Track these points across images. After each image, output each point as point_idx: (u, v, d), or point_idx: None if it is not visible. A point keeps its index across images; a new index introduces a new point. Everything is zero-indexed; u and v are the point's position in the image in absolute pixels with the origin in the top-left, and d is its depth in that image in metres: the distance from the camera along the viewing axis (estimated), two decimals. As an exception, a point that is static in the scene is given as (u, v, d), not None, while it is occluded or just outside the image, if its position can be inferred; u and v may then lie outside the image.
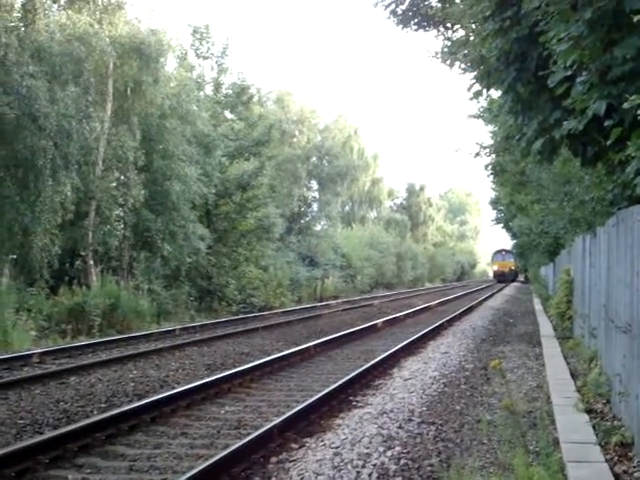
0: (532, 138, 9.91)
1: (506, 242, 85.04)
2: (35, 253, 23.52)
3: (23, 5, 24.68)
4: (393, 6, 18.47)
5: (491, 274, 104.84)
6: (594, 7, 6.67)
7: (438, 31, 18.62)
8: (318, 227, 63.79)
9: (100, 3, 29.47)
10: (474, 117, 23.28)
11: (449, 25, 17.65)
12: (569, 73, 7.60)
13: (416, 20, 18.57)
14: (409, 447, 8.69)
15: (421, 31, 18.80)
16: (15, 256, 24.60)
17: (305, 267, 49.60)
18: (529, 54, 9.42)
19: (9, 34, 23.42)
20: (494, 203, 52.36)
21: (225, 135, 38.09)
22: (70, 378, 14.52)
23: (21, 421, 10.76)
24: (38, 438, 9.20)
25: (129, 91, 29.55)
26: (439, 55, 17.17)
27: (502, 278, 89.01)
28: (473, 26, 11.84)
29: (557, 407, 9.55)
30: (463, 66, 14.59)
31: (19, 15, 24.82)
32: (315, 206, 68.71)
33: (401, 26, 18.81)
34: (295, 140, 72.26)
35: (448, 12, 15.27)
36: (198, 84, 39.83)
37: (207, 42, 41.47)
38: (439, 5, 17.77)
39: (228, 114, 43.22)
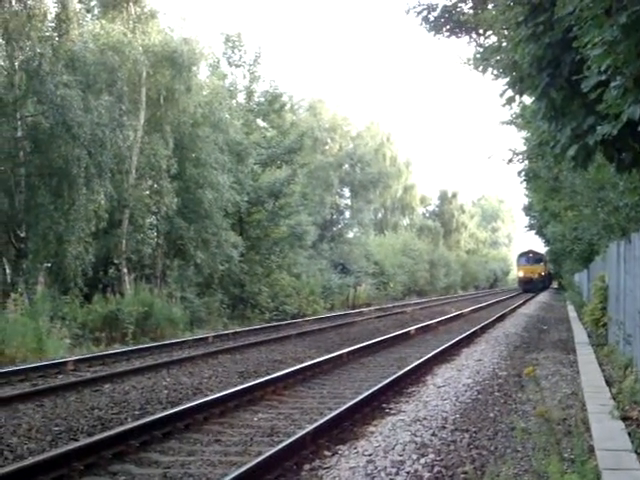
0: (566, 144, 9.82)
1: (539, 248, 79.32)
2: (69, 261, 23.69)
3: (57, 15, 24.90)
4: (425, 13, 18.42)
5: None
6: (629, 12, 6.60)
7: (470, 37, 18.55)
8: (350, 234, 63.85)
9: (133, 12, 29.78)
10: (507, 123, 23.15)
11: (481, 31, 17.58)
12: (603, 78, 7.53)
13: (448, 27, 18.51)
14: (443, 454, 8.65)
15: (453, 37, 18.72)
16: (50, 264, 24.78)
17: (337, 274, 49.56)
18: (562, 59, 9.35)
19: (43, 44, 23.72)
20: (527, 209, 52.00)
21: (257, 143, 38.24)
22: (104, 385, 14.61)
23: (56, 428, 10.83)
24: (73, 445, 9.26)
25: (162, 99, 29.79)
26: (471, 61, 17.08)
27: (529, 287, 75.86)
28: (506, 32, 11.77)
29: (592, 414, 9.44)
30: (495, 72, 14.49)
31: (53, 25, 25.06)
32: (347, 213, 68.84)
33: (433, 33, 18.75)
34: (327, 147, 72.07)
35: (480, 18, 15.23)
36: (230, 92, 40.02)
37: (239, 50, 41.69)
38: (471, 11, 17.72)
39: (260, 122, 43.44)
